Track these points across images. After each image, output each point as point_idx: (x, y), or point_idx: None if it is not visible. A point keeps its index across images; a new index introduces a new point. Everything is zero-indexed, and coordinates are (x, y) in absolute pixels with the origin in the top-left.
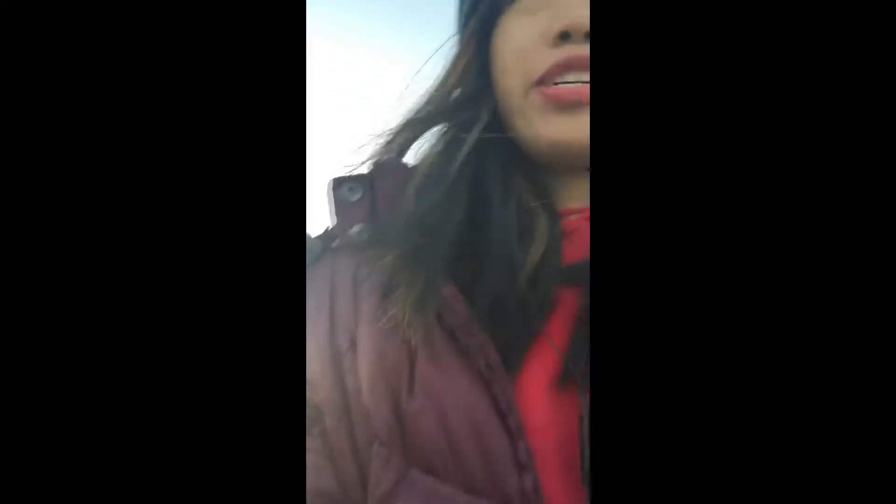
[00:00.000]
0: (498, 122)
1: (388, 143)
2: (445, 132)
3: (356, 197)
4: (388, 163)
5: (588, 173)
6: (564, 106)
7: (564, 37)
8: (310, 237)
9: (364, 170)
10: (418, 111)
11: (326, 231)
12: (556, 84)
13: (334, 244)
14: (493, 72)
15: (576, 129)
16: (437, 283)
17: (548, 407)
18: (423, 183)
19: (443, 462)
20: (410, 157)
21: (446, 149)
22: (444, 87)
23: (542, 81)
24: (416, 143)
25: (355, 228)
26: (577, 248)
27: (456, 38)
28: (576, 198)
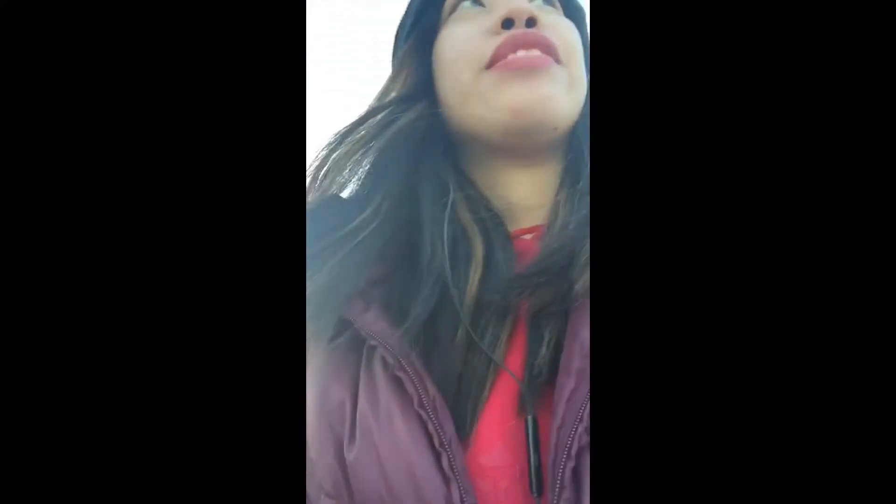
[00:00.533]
0: (430, 114)
1: (320, 169)
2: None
3: None
4: (324, 198)
5: (531, 164)
6: (520, 73)
7: (507, 24)
8: None
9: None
10: (348, 133)
11: None
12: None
13: None
14: (437, 69)
15: (535, 91)
16: (346, 276)
17: (503, 442)
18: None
19: None
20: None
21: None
22: (378, 108)
23: (492, 62)
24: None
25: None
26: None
27: (393, 60)
28: (528, 214)
